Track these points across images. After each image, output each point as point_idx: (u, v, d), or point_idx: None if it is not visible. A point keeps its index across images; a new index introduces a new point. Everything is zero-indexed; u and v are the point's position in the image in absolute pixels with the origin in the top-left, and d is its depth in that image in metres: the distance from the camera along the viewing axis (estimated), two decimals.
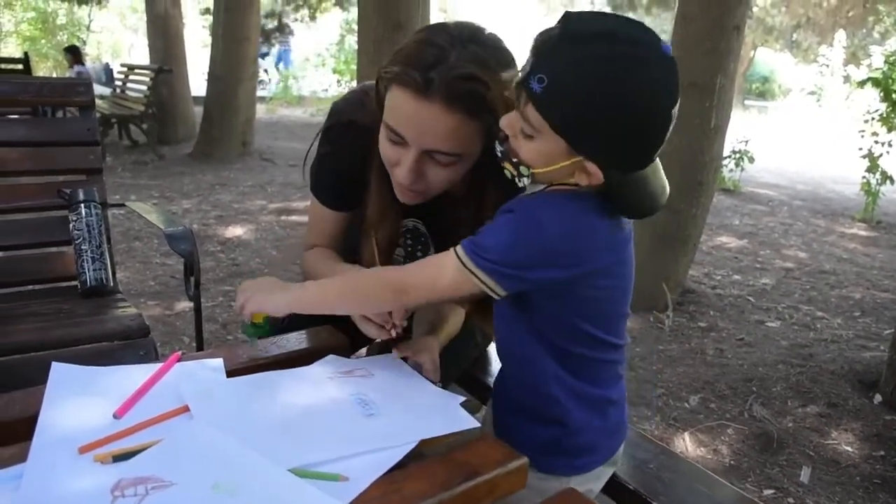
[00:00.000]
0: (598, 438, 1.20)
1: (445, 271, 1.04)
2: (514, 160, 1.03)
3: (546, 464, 1.16)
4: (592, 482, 1.23)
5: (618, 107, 0.91)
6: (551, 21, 0.98)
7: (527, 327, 1.11)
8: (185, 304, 3.69)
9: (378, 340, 1.69)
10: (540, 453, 1.15)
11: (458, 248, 1.03)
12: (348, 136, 1.39)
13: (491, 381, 1.67)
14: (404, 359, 1.24)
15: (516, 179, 1.05)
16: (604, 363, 1.16)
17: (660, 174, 1.07)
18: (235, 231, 5.33)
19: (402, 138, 1.17)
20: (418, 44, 1.15)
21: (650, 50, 0.92)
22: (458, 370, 1.65)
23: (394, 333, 1.24)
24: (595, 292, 1.07)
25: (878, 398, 3.02)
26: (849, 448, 2.69)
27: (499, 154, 1.06)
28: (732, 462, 2.59)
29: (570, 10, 0.98)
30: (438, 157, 1.19)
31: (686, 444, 2.69)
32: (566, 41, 0.92)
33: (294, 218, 5.80)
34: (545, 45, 0.93)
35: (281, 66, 19.41)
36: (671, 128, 0.95)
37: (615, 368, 1.19)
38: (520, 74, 0.97)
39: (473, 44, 1.13)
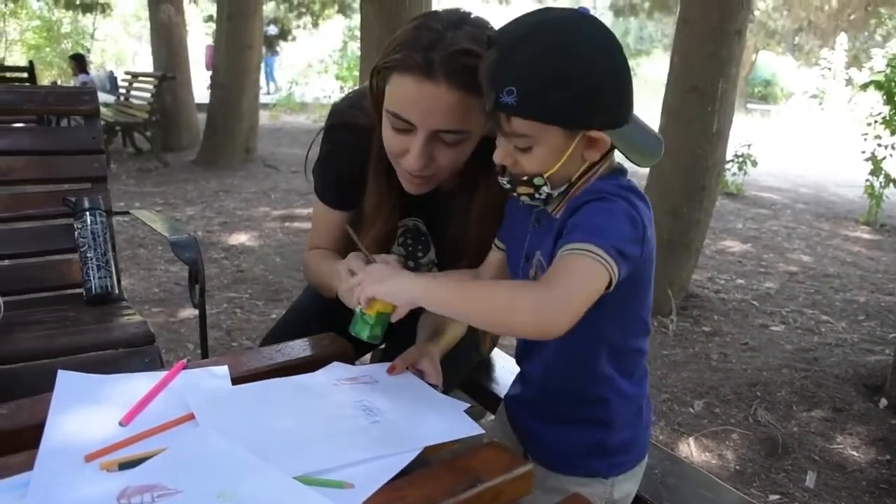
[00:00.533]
0: (635, 435, 1.22)
1: (588, 275, 0.94)
2: (525, 178, 1.05)
3: (589, 467, 1.19)
4: (631, 482, 1.24)
5: (581, 70, 0.97)
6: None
7: (588, 330, 1.08)
8: (190, 312, 3.70)
9: (381, 347, 1.70)
10: (584, 457, 1.19)
11: (586, 245, 0.94)
12: (348, 136, 1.42)
13: (495, 387, 1.68)
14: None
15: (536, 195, 1.07)
16: (641, 355, 1.19)
17: (647, 127, 1.10)
18: (239, 238, 5.34)
19: (409, 123, 1.19)
20: (414, 30, 1.18)
21: (572, 18, 0.99)
22: (461, 376, 1.65)
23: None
24: (647, 269, 1.09)
25: (883, 402, 3.01)
26: (854, 453, 2.69)
27: (507, 186, 1.09)
28: (737, 467, 2.59)
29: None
30: (446, 137, 1.21)
31: (691, 450, 2.69)
32: (507, 53, 0.99)
33: (297, 224, 5.81)
34: (493, 68, 0.99)
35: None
36: (631, 72, 1.03)
37: (645, 362, 1.21)
38: (487, 107, 1.02)
39: (466, 25, 1.18)
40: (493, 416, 1.69)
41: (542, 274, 1.07)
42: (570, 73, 0.96)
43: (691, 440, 2.75)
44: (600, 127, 1.01)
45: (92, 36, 20.41)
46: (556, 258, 0.97)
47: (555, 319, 0.92)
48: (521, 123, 0.99)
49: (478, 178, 1.32)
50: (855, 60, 17.21)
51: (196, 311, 2.11)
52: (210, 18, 17.37)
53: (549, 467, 1.21)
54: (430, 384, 1.19)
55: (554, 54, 0.96)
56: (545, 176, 1.04)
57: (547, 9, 1.04)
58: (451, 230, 1.40)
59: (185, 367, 1.12)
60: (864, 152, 6.70)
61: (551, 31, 0.98)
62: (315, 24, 19.53)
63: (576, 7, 1.02)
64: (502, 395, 1.59)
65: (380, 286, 1.06)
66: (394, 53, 1.17)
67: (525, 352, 1.25)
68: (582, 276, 0.93)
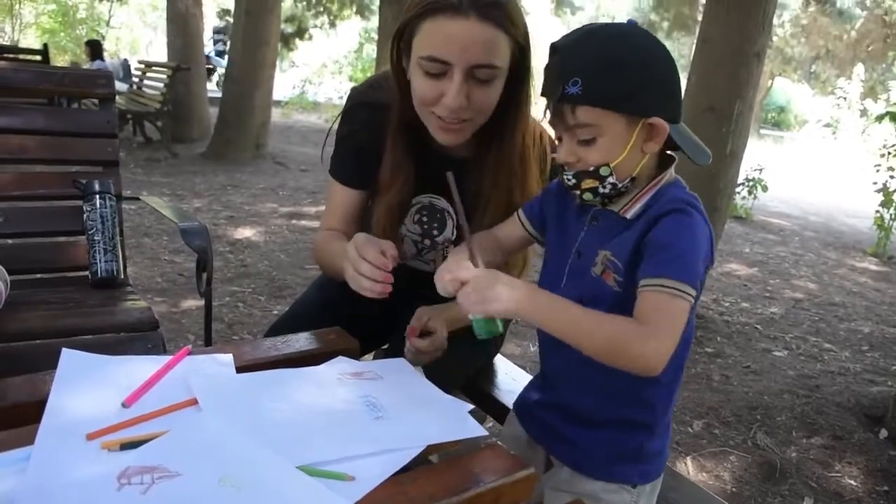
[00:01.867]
0: (664, 445, 1.22)
1: (681, 316, 0.99)
2: (591, 170, 1.07)
3: (620, 472, 1.18)
4: (650, 496, 1.23)
5: (639, 60, 1.03)
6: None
7: None
8: (192, 303, 3.70)
9: (384, 347, 1.70)
10: (617, 462, 1.18)
11: (680, 285, 0.98)
12: (367, 114, 1.49)
13: (497, 392, 1.67)
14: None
15: (600, 188, 1.08)
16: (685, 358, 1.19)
17: (697, 139, 1.15)
18: (245, 233, 5.34)
19: (445, 63, 1.26)
20: None
21: (624, 25, 1.07)
22: (464, 378, 1.65)
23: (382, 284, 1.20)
24: (704, 277, 1.09)
25: (883, 433, 3.00)
26: (852, 482, 2.67)
27: (572, 182, 1.09)
28: (734, 489, 2.57)
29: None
30: (480, 74, 1.28)
31: (688, 469, 2.67)
32: (569, 52, 1.04)
33: (304, 223, 5.81)
34: (560, 65, 1.04)
35: None
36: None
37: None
38: (551, 107, 1.06)
39: None
40: (493, 421, 1.68)
41: (612, 272, 1.08)
42: (629, 62, 1.02)
43: (689, 460, 2.73)
44: (658, 113, 1.04)
45: (107, 23, 20.52)
46: (647, 286, 1.00)
47: (658, 365, 0.97)
48: (586, 112, 1.03)
49: (491, 140, 1.41)
50: (871, 92, 17.23)
51: (199, 303, 2.11)
52: (227, 13, 17.44)
53: (579, 470, 1.20)
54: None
55: (613, 47, 1.03)
56: (612, 165, 1.05)
57: (599, 22, 1.13)
58: (469, 191, 1.41)
59: (189, 353, 1.12)
60: (875, 183, 6.69)
61: (608, 31, 1.05)
62: (332, 24, 19.56)
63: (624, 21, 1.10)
64: (504, 401, 1.59)
65: (480, 307, 1.04)
66: (423, 1, 1.25)
67: (553, 351, 1.23)
68: (678, 321, 0.99)
